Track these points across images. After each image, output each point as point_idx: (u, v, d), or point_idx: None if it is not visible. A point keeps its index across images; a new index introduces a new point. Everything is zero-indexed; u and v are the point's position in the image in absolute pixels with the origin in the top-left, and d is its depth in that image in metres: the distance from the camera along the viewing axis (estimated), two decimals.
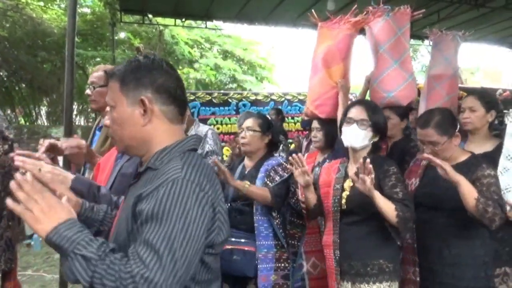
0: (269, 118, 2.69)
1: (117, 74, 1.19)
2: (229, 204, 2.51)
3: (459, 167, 1.98)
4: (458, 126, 2.12)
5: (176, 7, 6.31)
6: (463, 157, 2.11)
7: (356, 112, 2.12)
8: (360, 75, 3.37)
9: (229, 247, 2.45)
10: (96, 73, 2.40)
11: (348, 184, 2.10)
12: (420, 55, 16.56)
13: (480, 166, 2.00)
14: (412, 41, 7.31)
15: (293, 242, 2.60)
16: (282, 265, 2.45)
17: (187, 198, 1.01)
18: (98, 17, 9.60)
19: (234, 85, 12.30)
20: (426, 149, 2.12)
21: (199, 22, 7.83)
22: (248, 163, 2.64)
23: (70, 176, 1.54)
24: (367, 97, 3.16)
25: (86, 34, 9.98)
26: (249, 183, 2.40)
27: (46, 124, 10.60)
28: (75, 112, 11.94)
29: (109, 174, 1.93)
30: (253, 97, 6.97)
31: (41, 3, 9.94)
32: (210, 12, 6.53)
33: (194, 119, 3.12)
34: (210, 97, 6.70)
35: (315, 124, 2.98)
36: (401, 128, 2.92)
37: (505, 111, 2.22)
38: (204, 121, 5.84)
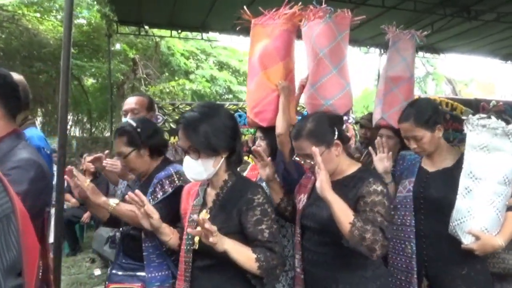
0: (141, 122, 2.11)
1: None
2: (121, 229, 2.15)
3: (345, 181, 1.74)
4: (336, 133, 1.79)
5: (172, 18, 6.35)
6: (352, 170, 1.79)
7: (180, 136, 1.65)
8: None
9: (116, 286, 2.05)
10: None
11: (203, 216, 1.56)
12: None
13: (366, 181, 1.67)
14: None
15: None
16: None
17: None
18: (94, 28, 9.65)
19: (230, 96, 12.34)
20: (304, 164, 1.82)
21: (195, 33, 7.86)
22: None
23: None
24: (301, 104, 2.93)
25: (82, 45, 10.01)
26: (118, 201, 1.94)
27: None
28: (70, 123, 11.92)
29: None
30: None
31: (37, 14, 9.98)
32: (206, 24, 6.57)
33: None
34: None
35: (258, 132, 2.62)
36: None
37: (464, 117, 1.93)
38: None
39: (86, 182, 1.91)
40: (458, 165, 1.91)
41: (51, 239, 6.24)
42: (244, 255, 1.49)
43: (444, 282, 1.94)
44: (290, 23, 2.61)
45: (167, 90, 10.58)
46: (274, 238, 1.55)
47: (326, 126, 1.79)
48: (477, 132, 1.80)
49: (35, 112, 11.12)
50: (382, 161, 2.19)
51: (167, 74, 12.20)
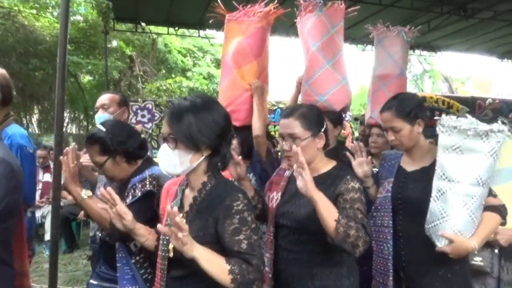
0: (111, 127, 1.95)
1: None
2: (99, 234, 2.04)
3: (321, 179, 1.73)
4: (325, 125, 1.82)
5: (169, 15, 6.34)
6: (327, 167, 1.80)
7: (164, 122, 1.52)
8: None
9: None
10: None
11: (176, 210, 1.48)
12: (411, 65, 16.73)
13: (344, 178, 1.68)
14: None
15: None
16: None
17: None
18: (91, 25, 9.60)
19: None
20: (285, 144, 1.77)
21: (192, 30, 7.84)
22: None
23: None
24: (299, 102, 2.85)
25: (78, 42, 9.96)
26: (91, 194, 1.84)
27: (37, 132, 10.53)
28: (66, 120, 11.87)
29: None
30: None
31: (34, 11, 9.91)
32: (203, 21, 6.55)
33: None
34: None
35: None
36: (334, 136, 2.61)
37: (436, 117, 1.87)
38: None
39: (72, 163, 1.85)
40: (435, 164, 1.84)
41: (47, 236, 6.22)
42: (216, 265, 1.33)
43: (422, 283, 1.91)
44: (265, 21, 2.55)
45: (164, 87, 10.55)
46: (253, 250, 1.39)
47: (318, 116, 1.82)
48: (449, 133, 1.75)
49: (32, 109, 11.08)
50: (361, 166, 2.11)
51: (164, 71, 12.16)
